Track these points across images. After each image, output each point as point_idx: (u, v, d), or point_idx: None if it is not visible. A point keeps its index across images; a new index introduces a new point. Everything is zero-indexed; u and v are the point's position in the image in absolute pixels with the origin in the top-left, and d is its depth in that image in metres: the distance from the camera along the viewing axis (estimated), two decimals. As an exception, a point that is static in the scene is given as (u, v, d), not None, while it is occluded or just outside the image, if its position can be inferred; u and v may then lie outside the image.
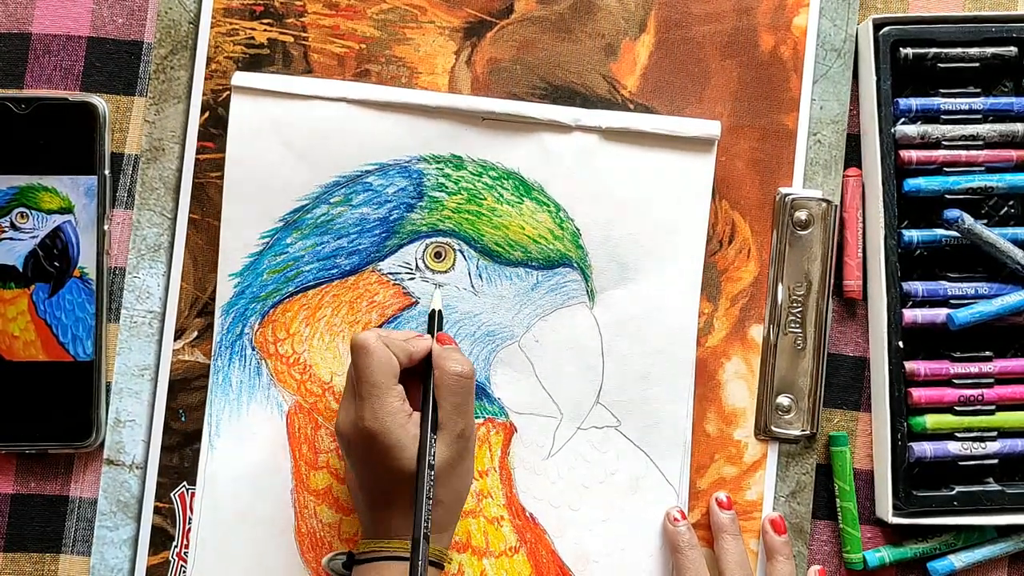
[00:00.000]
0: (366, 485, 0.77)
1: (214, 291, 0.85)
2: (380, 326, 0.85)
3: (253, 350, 0.85)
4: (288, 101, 0.84)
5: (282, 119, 0.84)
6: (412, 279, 0.85)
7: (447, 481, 0.76)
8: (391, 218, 0.85)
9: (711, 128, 0.85)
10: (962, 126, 0.85)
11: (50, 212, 0.84)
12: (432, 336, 0.80)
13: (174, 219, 0.85)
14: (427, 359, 0.78)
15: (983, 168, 0.85)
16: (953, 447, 0.84)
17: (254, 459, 0.84)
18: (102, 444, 0.84)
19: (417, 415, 0.76)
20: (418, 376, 0.78)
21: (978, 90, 0.86)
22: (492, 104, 0.85)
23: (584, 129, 0.85)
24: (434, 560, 0.76)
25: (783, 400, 0.85)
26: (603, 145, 0.85)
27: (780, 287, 0.85)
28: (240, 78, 0.84)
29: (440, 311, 0.83)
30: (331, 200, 0.84)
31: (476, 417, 0.84)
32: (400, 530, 0.75)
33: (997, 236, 0.83)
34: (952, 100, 0.85)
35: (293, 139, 0.84)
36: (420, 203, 0.85)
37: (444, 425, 0.76)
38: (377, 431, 0.74)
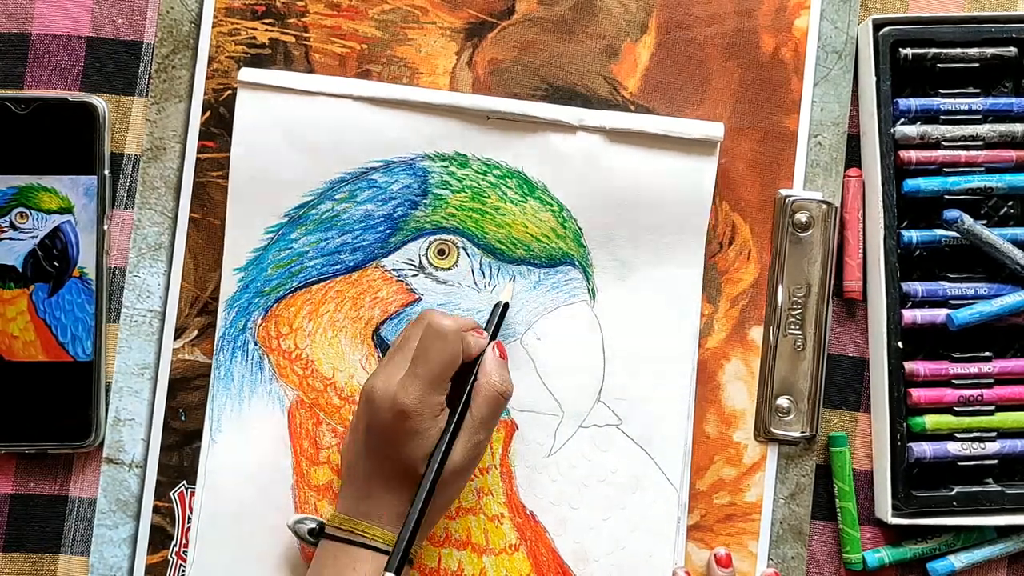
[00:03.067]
0: (371, 458, 0.76)
1: (215, 290, 0.85)
2: (382, 322, 0.85)
3: (256, 345, 0.84)
4: (294, 97, 0.84)
5: (288, 115, 0.84)
6: (415, 276, 0.85)
7: (446, 485, 0.76)
8: (395, 215, 0.85)
9: (715, 130, 0.84)
10: (962, 126, 0.85)
11: (50, 212, 0.84)
12: (490, 333, 0.80)
13: (175, 218, 0.85)
14: (475, 360, 0.77)
15: (983, 168, 0.85)
16: (953, 447, 0.84)
17: (255, 454, 0.84)
18: (101, 444, 0.84)
19: (447, 412, 0.75)
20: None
21: (978, 90, 0.86)
22: (497, 103, 0.84)
23: (588, 129, 0.85)
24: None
25: (783, 402, 0.85)
26: (607, 146, 0.85)
27: (780, 289, 0.85)
28: (246, 74, 0.84)
29: (507, 304, 0.83)
30: (336, 196, 0.84)
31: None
32: (383, 517, 0.75)
33: (997, 236, 0.83)
34: (952, 100, 0.85)
35: (298, 135, 0.84)
36: (424, 200, 0.85)
37: (466, 432, 0.75)
38: (412, 413, 0.73)
